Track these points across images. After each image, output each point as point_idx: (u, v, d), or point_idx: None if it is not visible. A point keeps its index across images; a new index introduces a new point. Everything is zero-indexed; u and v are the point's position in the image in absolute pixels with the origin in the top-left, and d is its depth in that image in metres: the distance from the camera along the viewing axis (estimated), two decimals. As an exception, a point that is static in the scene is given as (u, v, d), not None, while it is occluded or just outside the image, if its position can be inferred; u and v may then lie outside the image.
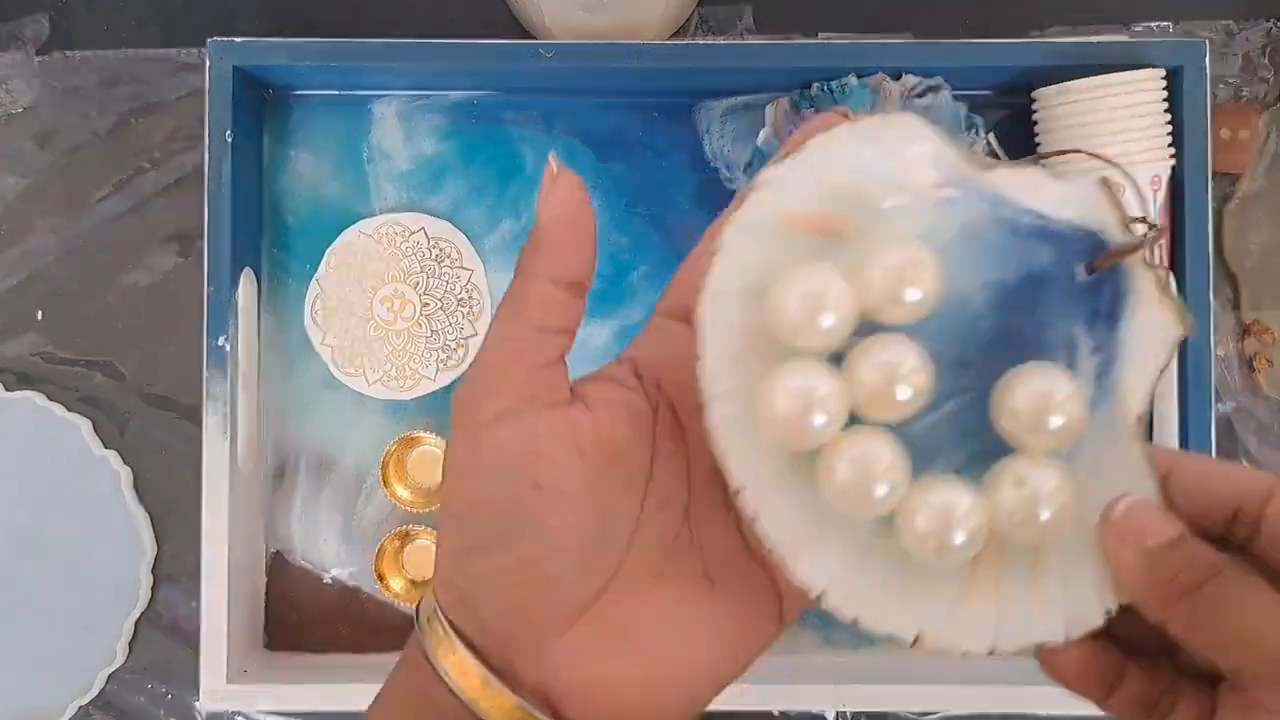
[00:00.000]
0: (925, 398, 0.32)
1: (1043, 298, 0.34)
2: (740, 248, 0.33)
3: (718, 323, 0.32)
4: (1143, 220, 0.33)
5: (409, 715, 0.32)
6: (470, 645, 0.31)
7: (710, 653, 0.33)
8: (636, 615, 0.32)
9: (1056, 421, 0.32)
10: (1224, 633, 0.30)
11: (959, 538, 0.31)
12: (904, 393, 0.32)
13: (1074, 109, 0.64)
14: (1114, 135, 0.63)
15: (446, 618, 0.32)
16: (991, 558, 0.33)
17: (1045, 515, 0.32)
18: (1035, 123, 0.67)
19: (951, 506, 0.31)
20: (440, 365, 0.70)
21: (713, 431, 0.32)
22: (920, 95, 0.67)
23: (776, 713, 0.71)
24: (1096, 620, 0.32)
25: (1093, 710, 0.66)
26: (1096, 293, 0.34)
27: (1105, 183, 0.33)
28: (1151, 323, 0.33)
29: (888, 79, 0.66)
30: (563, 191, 0.32)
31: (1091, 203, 0.33)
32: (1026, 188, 0.33)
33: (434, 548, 0.59)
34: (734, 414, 0.32)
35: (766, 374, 0.32)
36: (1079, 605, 0.33)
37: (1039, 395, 0.32)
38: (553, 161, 0.33)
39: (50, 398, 0.71)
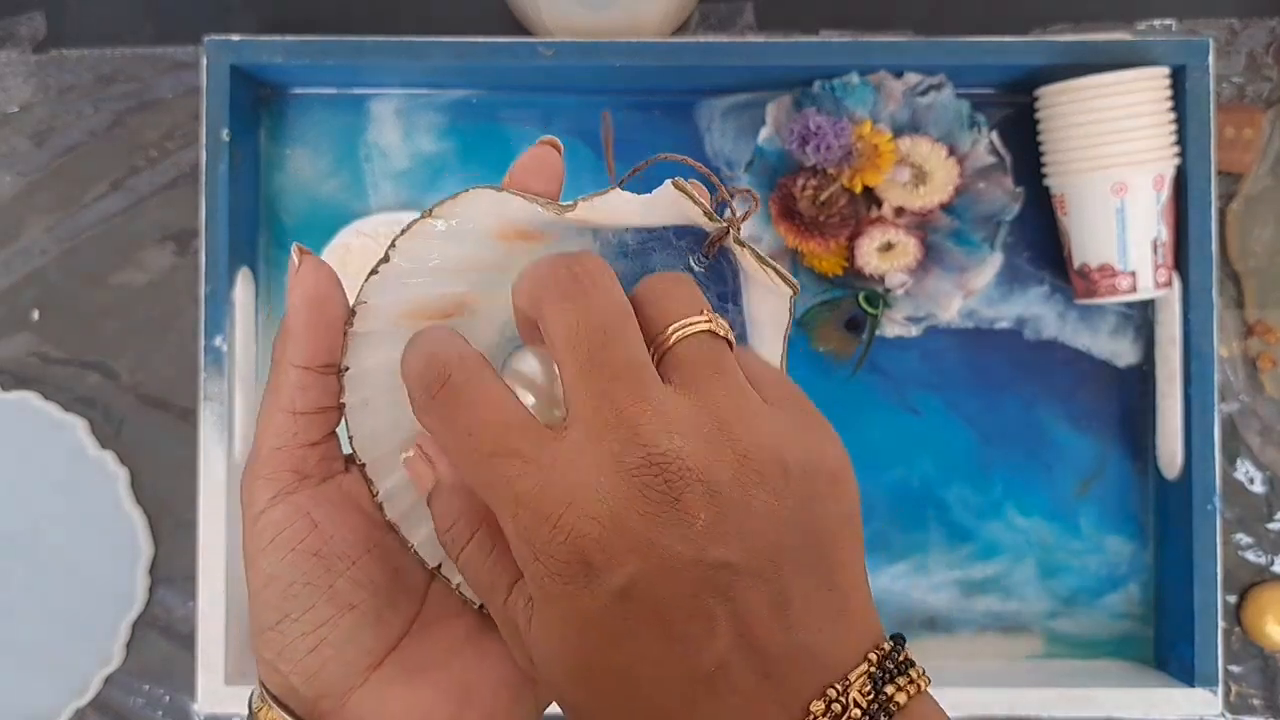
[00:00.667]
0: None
1: None
2: (361, 360, 0.35)
3: (366, 428, 0.36)
4: (721, 207, 0.34)
5: None
6: (285, 706, 0.33)
7: (505, 670, 0.35)
8: (438, 647, 0.35)
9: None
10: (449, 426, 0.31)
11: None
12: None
13: (1077, 107, 0.63)
14: (1117, 134, 0.63)
15: (263, 685, 0.34)
16: None
17: None
18: (1038, 121, 0.67)
19: None
20: (439, 365, 0.70)
21: (390, 517, 0.35)
22: (922, 93, 0.66)
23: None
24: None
25: (1092, 712, 0.65)
26: (716, 278, 0.36)
27: (676, 184, 0.33)
28: (766, 290, 0.35)
29: (889, 77, 0.66)
30: (305, 280, 0.34)
31: (675, 204, 0.34)
32: (613, 212, 0.34)
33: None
34: (407, 506, 0.35)
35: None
36: None
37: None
38: (295, 254, 0.35)
39: (46, 398, 0.71)
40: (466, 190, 0.34)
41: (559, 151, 0.35)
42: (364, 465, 0.35)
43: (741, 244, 0.34)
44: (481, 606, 0.35)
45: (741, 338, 0.36)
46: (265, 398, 0.35)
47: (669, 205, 0.34)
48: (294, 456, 0.34)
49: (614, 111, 0.71)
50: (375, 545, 0.34)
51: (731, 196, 0.35)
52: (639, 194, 0.34)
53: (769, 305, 0.36)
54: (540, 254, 0.34)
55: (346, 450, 0.36)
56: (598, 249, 0.35)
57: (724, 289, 0.36)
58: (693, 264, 0.36)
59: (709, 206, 0.34)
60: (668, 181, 0.33)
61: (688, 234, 0.36)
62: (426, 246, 0.35)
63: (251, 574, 0.34)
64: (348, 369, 0.35)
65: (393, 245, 0.34)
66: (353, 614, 0.33)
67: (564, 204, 0.34)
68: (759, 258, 0.34)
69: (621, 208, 0.34)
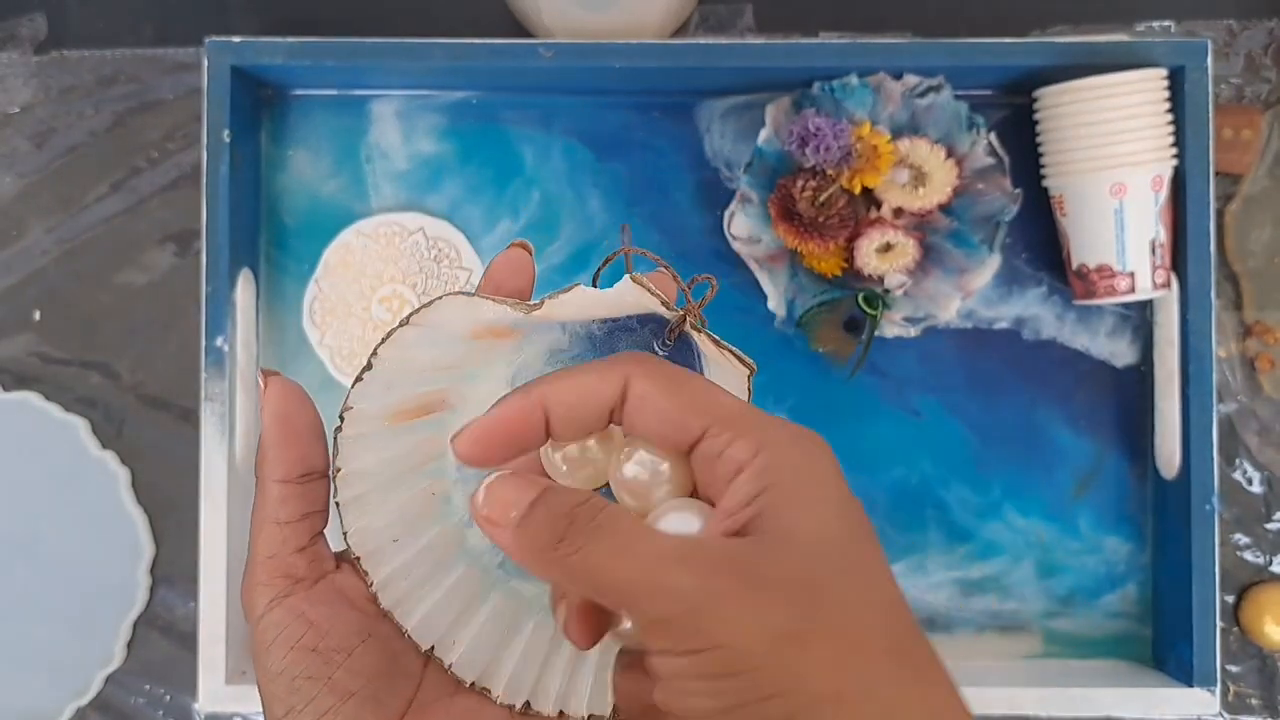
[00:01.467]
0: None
1: None
2: (352, 460, 0.38)
3: (363, 521, 0.38)
4: (679, 303, 0.38)
5: None
6: None
7: None
8: None
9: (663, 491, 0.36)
10: (589, 578, 0.31)
11: (646, 477, 0.36)
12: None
13: (1075, 109, 0.64)
14: (1116, 135, 0.63)
15: None
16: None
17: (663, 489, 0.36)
18: (1037, 122, 0.67)
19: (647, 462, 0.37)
20: (439, 365, 0.70)
21: (384, 604, 0.38)
22: (921, 95, 0.67)
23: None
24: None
25: (1090, 711, 0.65)
26: (680, 359, 0.39)
27: (634, 279, 0.36)
28: (724, 371, 0.38)
29: (889, 78, 0.66)
30: (274, 400, 0.37)
31: (636, 296, 0.37)
32: (579, 307, 0.38)
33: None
34: (402, 592, 0.38)
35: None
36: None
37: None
38: (260, 378, 0.38)
39: (47, 398, 0.71)
40: (440, 297, 0.37)
41: (530, 253, 0.39)
42: (358, 558, 0.38)
43: (698, 330, 0.37)
44: (473, 684, 0.38)
45: None
46: (254, 510, 0.37)
47: (629, 297, 0.37)
48: (285, 563, 0.37)
49: (614, 112, 0.71)
50: (370, 634, 0.37)
51: (690, 284, 0.38)
52: (601, 288, 0.37)
53: (729, 384, 0.38)
54: (512, 348, 0.38)
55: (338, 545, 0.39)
56: (566, 340, 0.39)
57: (685, 366, 0.38)
58: (657, 348, 0.39)
59: (669, 297, 0.37)
60: (626, 277, 0.36)
61: (650, 321, 0.39)
62: (405, 352, 0.37)
63: (259, 670, 0.36)
64: (340, 470, 0.38)
65: (374, 353, 0.37)
66: (353, 700, 0.36)
67: (532, 304, 0.37)
68: (716, 341, 0.37)
69: (586, 303, 0.37)
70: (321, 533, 0.38)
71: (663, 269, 0.38)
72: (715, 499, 0.33)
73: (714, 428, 0.33)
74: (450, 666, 0.38)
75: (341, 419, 0.38)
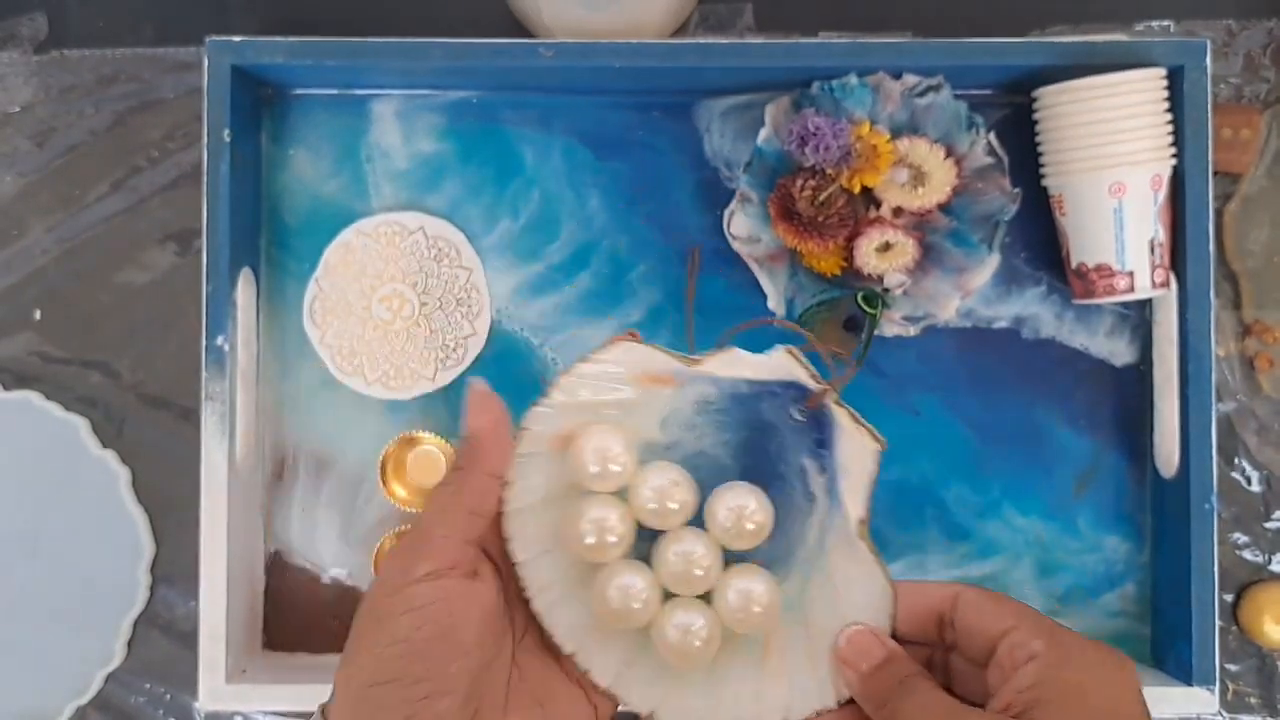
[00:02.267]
0: (689, 511, 0.44)
1: (771, 441, 0.46)
2: (524, 476, 0.44)
3: (525, 531, 0.44)
4: (824, 374, 0.44)
5: None
6: None
7: None
8: None
9: (749, 525, 0.44)
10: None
11: (697, 644, 0.43)
12: (674, 506, 0.44)
13: (1075, 108, 0.64)
14: (1115, 134, 0.63)
15: (325, 711, 0.39)
16: (775, 647, 0.44)
17: (758, 610, 0.43)
18: (1036, 121, 0.67)
19: (689, 623, 0.43)
20: (439, 365, 0.70)
21: (537, 608, 0.44)
22: (920, 94, 0.67)
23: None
24: (830, 702, 0.43)
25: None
26: (812, 429, 0.45)
27: (789, 351, 0.44)
28: (855, 444, 0.44)
29: (888, 78, 0.66)
30: (491, 411, 0.42)
31: (785, 365, 0.44)
32: (733, 365, 0.45)
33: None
34: (554, 598, 0.44)
35: (573, 510, 0.43)
36: (820, 687, 0.44)
37: (733, 508, 0.44)
38: (478, 385, 0.43)
39: (48, 397, 0.71)
40: (618, 342, 0.44)
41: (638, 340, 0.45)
42: (516, 564, 0.43)
43: (840, 404, 0.44)
44: (606, 690, 0.44)
45: (833, 480, 0.45)
46: (443, 493, 0.41)
47: (779, 365, 0.44)
48: (455, 548, 0.40)
49: (614, 112, 0.71)
50: (486, 646, 0.40)
51: (831, 359, 0.44)
52: (754, 353, 0.45)
53: (857, 455, 0.44)
54: (669, 395, 0.45)
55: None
56: (715, 393, 0.45)
57: (820, 436, 0.45)
58: (794, 413, 0.45)
59: (813, 369, 0.44)
60: (780, 348, 0.44)
61: (792, 388, 0.45)
62: (579, 384, 0.44)
63: (378, 632, 0.38)
64: (510, 482, 0.43)
65: (554, 384, 0.44)
66: (448, 700, 0.38)
67: (696, 358, 0.44)
68: (854, 418, 0.44)
69: (740, 364, 0.45)
70: (480, 538, 0.42)
71: (790, 351, 0.45)
72: (994, 687, 0.39)
73: (1024, 624, 0.40)
74: (588, 672, 0.44)
75: (516, 438, 0.44)
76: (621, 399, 0.44)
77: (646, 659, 0.44)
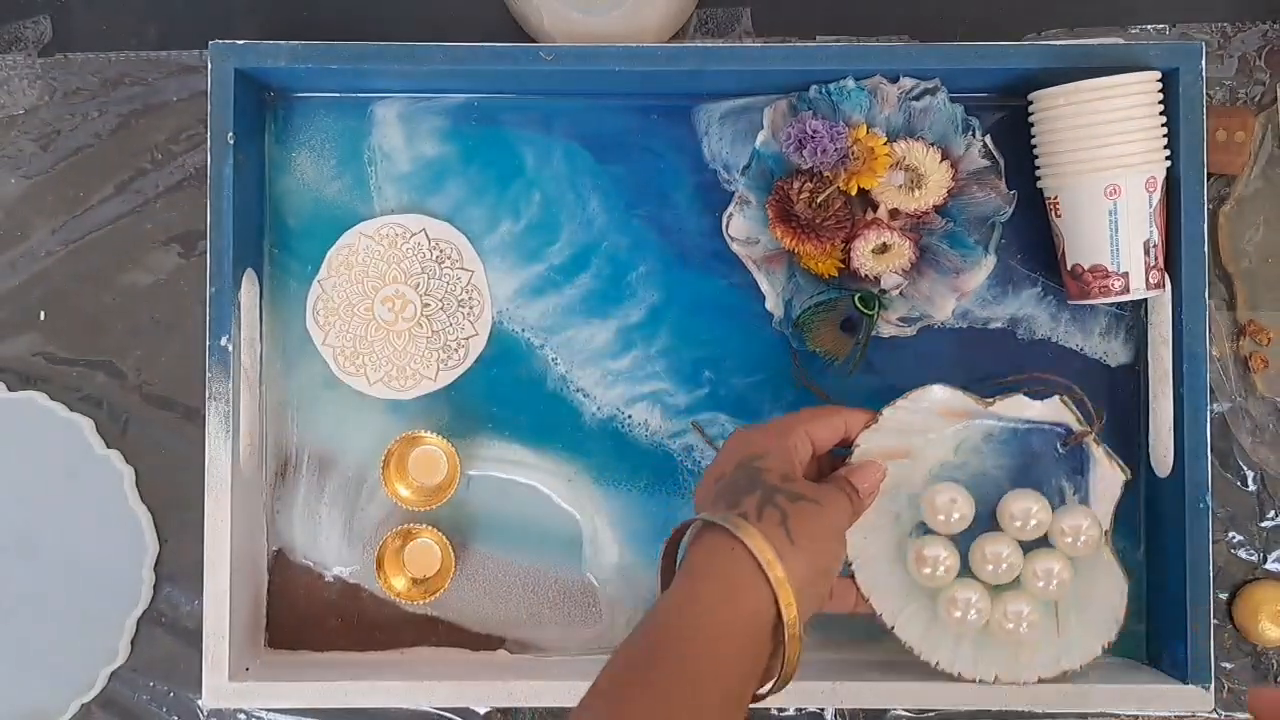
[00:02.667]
0: (967, 523, 0.63)
1: (1037, 467, 0.64)
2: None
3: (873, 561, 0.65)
4: (1088, 420, 0.63)
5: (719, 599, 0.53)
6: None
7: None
8: None
9: (1032, 521, 0.63)
10: None
11: (973, 615, 0.63)
12: (956, 518, 0.63)
13: (1070, 111, 0.64)
14: (1110, 137, 0.64)
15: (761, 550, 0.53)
16: (1035, 621, 0.63)
17: (1056, 583, 0.62)
18: (1032, 124, 0.67)
19: (968, 598, 0.63)
20: (441, 365, 0.71)
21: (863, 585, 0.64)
22: (917, 97, 0.67)
23: (775, 710, 0.71)
24: (1097, 651, 0.63)
25: (1086, 708, 0.66)
26: (1071, 460, 0.64)
27: (1062, 399, 0.63)
28: (1106, 474, 0.63)
29: (885, 81, 0.67)
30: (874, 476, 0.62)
31: (1057, 410, 0.63)
32: (1016, 407, 0.63)
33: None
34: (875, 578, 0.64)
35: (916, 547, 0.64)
36: (1086, 643, 0.64)
37: (1022, 508, 0.63)
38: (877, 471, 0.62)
39: (52, 398, 0.71)
40: (933, 386, 0.63)
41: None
42: (852, 573, 0.64)
43: (1097, 442, 0.63)
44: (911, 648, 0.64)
45: (1085, 500, 0.64)
46: (839, 497, 0.59)
47: (1053, 410, 0.63)
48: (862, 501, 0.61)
49: (613, 115, 0.71)
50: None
51: (1087, 402, 0.63)
52: (1033, 399, 0.63)
53: (1106, 482, 0.63)
54: (961, 427, 0.64)
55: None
56: (999, 429, 0.64)
57: (1076, 464, 0.64)
58: (1058, 447, 0.64)
59: (1078, 414, 0.63)
60: (1055, 398, 0.63)
61: (1059, 427, 0.64)
62: (897, 414, 0.63)
63: (838, 551, 0.57)
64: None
65: (881, 412, 0.62)
66: (825, 575, 0.56)
67: (989, 399, 0.63)
68: (1108, 454, 0.63)
69: (1024, 405, 0.63)
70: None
71: (1063, 400, 0.63)
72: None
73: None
74: (892, 628, 0.63)
75: (850, 451, 0.62)
76: (926, 426, 0.63)
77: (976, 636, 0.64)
